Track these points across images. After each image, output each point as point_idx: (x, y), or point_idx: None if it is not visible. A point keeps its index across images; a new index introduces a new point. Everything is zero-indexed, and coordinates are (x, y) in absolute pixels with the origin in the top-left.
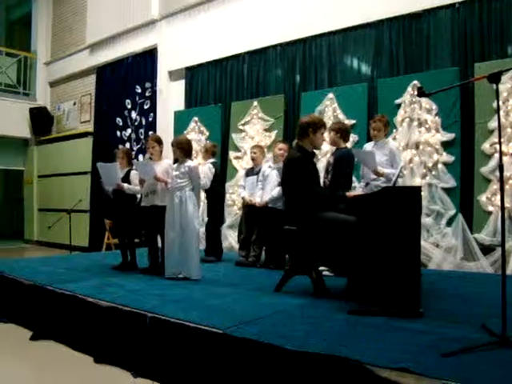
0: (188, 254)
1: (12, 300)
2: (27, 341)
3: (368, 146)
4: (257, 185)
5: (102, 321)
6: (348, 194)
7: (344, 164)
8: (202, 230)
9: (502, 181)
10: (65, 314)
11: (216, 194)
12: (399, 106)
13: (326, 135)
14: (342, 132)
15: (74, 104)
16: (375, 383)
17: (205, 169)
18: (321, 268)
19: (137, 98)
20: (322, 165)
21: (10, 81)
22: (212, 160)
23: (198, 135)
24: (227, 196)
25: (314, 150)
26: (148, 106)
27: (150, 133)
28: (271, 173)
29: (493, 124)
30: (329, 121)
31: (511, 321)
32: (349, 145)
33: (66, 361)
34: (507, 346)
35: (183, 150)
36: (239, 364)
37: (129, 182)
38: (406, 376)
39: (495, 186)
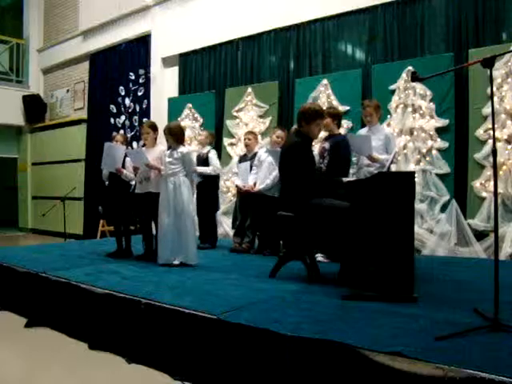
0: (186, 238)
1: (7, 288)
2: (22, 328)
3: (362, 132)
4: (252, 170)
5: (96, 307)
6: (343, 179)
7: (342, 150)
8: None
9: (495, 166)
10: (59, 301)
11: (211, 181)
12: (393, 91)
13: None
14: (338, 118)
15: (68, 91)
16: (369, 367)
17: (212, 156)
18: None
19: (130, 85)
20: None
21: (2, 68)
22: (209, 148)
23: (192, 122)
24: (221, 183)
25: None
26: (142, 92)
27: (144, 120)
28: (267, 158)
29: (487, 110)
30: (323, 107)
31: (503, 305)
32: (342, 131)
33: (61, 347)
34: (499, 329)
35: (175, 136)
36: (234, 349)
37: (124, 168)
38: (399, 360)
39: (489, 172)
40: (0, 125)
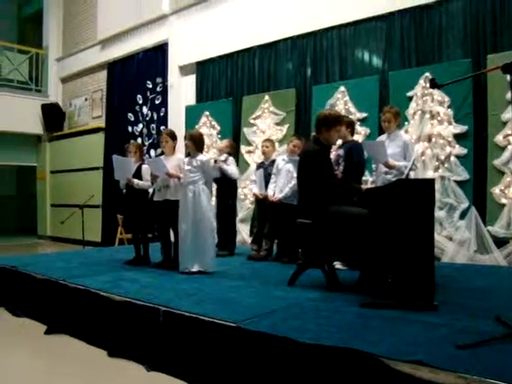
0: (204, 246)
1: (26, 295)
2: (42, 335)
3: (381, 139)
4: (270, 178)
5: (115, 315)
6: (362, 187)
7: (356, 155)
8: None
9: None
10: (79, 309)
11: (233, 189)
12: (411, 98)
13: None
14: (351, 126)
15: (86, 100)
16: (389, 376)
17: (229, 161)
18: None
19: (148, 93)
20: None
21: (22, 77)
22: (225, 155)
23: (209, 129)
24: (239, 190)
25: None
26: (159, 101)
27: (162, 128)
28: (285, 166)
29: (506, 116)
30: None
31: None
32: (360, 137)
33: (80, 354)
34: None
35: (195, 143)
36: (253, 357)
37: (140, 177)
38: (420, 368)
39: (508, 179)
40: (19, 133)
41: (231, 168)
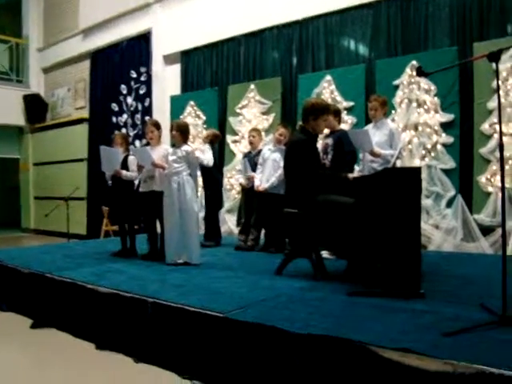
0: (188, 238)
1: (11, 289)
2: (28, 329)
3: (368, 127)
4: (257, 168)
5: (102, 307)
6: (349, 175)
7: (346, 143)
8: (201, 214)
9: (502, 160)
10: (65, 302)
11: (213, 179)
12: (397, 87)
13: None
14: (338, 115)
15: (69, 90)
16: (377, 363)
17: (205, 148)
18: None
19: (132, 83)
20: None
21: (2, 68)
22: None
23: (194, 119)
24: (225, 180)
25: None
26: (144, 90)
27: (147, 118)
28: (271, 156)
29: (492, 104)
30: None
31: (511, 300)
32: (347, 126)
33: (68, 348)
34: (507, 324)
35: (182, 133)
36: (241, 348)
37: (126, 168)
38: (407, 356)
39: (495, 167)
40: (1, 125)
41: (205, 157)
